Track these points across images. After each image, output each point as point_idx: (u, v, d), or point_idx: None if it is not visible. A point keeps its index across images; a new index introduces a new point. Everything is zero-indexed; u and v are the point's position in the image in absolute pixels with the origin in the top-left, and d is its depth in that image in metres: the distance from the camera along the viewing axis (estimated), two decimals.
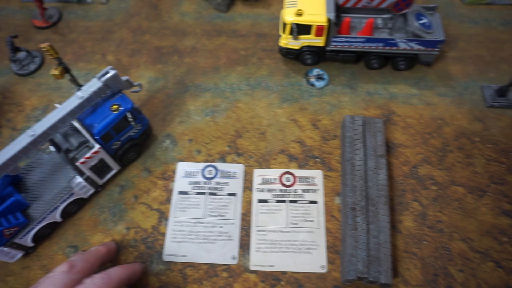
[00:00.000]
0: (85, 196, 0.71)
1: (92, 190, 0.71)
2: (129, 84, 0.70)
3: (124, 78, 0.68)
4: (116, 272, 0.54)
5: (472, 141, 0.77)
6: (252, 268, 0.66)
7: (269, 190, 0.73)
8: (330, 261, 0.66)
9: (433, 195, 0.72)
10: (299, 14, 0.78)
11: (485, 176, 0.73)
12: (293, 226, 0.70)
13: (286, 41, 0.83)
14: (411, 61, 0.84)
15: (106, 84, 0.64)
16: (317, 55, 0.85)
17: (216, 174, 0.75)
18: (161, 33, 0.96)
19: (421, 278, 0.64)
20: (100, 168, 0.70)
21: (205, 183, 0.74)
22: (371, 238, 0.63)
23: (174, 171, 0.76)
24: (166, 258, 0.67)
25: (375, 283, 0.62)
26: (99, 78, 0.64)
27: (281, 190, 0.73)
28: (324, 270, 0.65)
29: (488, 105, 0.81)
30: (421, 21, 0.80)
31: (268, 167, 0.75)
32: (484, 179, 0.73)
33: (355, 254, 0.62)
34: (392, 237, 0.68)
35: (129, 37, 0.96)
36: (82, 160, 0.64)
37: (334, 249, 0.67)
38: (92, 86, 0.63)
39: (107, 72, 0.64)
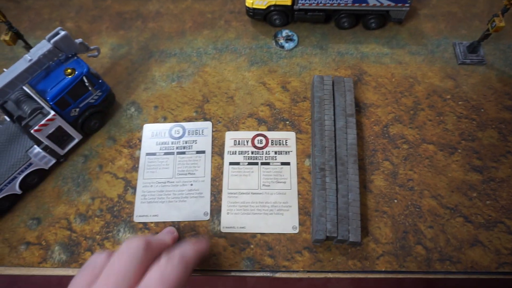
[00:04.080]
0: (46, 167, 0.68)
1: (53, 161, 0.68)
2: (84, 47, 0.66)
3: (78, 40, 0.64)
4: (190, 254, 0.50)
5: (443, 99, 0.76)
6: (223, 230, 0.65)
7: (241, 153, 0.71)
8: (301, 223, 0.65)
9: (404, 154, 0.71)
10: None
11: (456, 133, 0.72)
12: (265, 188, 0.68)
13: (252, 0, 0.79)
14: (382, 19, 0.81)
15: (57, 46, 0.60)
16: (285, 15, 0.82)
17: (184, 133, 0.73)
18: None
19: (391, 235, 0.64)
20: (60, 137, 0.67)
21: (172, 142, 0.72)
22: (340, 198, 0.62)
23: (139, 139, 0.73)
24: (136, 219, 0.66)
25: (344, 242, 0.61)
26: (49, 39, 0.60)
27: (253, 152, 0.71)
28: (295, 231, 0.65)
29: (460, 62, 0.79)
30: None
31: (237, 131, 0.73)
32: (454, 136, 0.72)
33: (324, 214, 0.61)
34: (363, 197, 0.67)
35: (89, 2, 0.91)
36: (36, 127, 0.61)
37: (304, 211, 0.66)
38: (41, 48, 0.59)
39: (57, 33, 0.60)
